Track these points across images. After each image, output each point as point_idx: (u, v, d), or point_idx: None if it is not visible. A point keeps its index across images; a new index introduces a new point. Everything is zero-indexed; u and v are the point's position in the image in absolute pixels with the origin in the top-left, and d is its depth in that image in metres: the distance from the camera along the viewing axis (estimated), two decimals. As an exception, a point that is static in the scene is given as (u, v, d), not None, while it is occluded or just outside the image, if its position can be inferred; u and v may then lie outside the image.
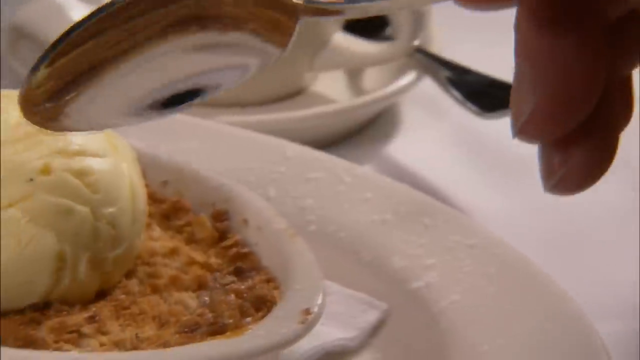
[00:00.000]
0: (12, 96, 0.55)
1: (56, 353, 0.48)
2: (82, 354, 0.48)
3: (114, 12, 0.39)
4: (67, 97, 0.38)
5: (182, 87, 0.40)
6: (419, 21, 0.90)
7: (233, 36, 0.41)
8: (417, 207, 0.70)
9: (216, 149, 0.79)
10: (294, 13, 0.43)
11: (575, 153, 0.39)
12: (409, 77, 0.93)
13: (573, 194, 0.40)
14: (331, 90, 0.98)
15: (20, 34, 0.94)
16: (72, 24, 0.39)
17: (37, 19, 0.97)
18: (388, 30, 1.00)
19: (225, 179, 0.66)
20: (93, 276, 0.52)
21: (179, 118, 0.81)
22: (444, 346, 0.60)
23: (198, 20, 0.40)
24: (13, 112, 0.53)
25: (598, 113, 0.39)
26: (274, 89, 0.94)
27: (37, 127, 0.50)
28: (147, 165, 0.64)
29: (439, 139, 0.90)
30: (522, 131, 0.39)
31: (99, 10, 0.40)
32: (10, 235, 0.50)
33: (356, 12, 0.44)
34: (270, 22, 0.43)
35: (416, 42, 0.91)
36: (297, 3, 0.44)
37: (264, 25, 0.43)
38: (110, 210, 0.53)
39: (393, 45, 0.92)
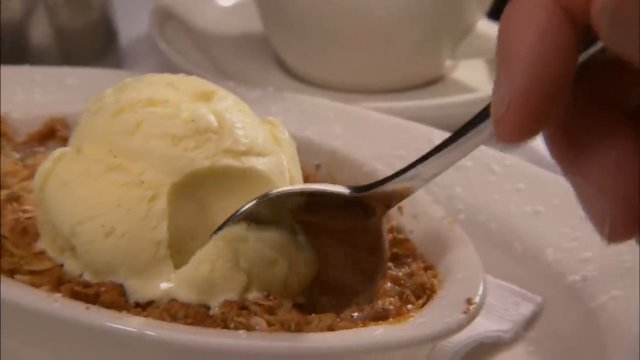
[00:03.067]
0: (185, 87, 0.55)
1: (226, 332, 0.49)
2: (251, 334, 0.48)
3: None
4: None
5: None
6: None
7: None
8: (571, 199, 0.67)
9: (361, 134, 0.78)
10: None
11: None
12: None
13: None
14: (471, 78, 0.96)
15: (167, 16, 0.95)
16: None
17: (184, 1, 0.99)
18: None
19: (379, 164, 0.65)
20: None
21: (324, 103, 0.81)
22: (603, 342, 0.58)
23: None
24: (185, 105, 0.53)
25: None
26: (415, 75, 0.93)
27: (204, 124, 0.52)
28: (301, 148, 0.63)
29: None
30: (611, 238, 0.39)
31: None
32: (207, 261, 0.51)
33: (421, 183, 0.51)
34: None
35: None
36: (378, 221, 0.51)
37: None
38: (305, 271, 0.53)
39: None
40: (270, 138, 0.56)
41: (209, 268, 0.51)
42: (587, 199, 0.40)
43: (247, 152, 0.53)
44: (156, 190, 0.51)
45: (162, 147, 0.52)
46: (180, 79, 0.55)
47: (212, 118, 0.53)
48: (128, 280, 0.51)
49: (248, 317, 0.50)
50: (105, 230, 0.50)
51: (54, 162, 0.53)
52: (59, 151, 0.53)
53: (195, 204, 0.52)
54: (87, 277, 0.52)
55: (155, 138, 0.52)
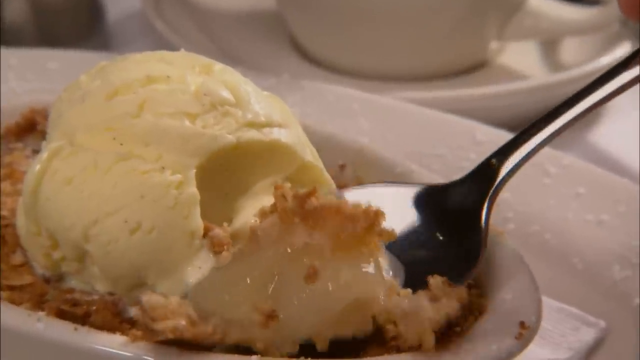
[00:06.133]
0: (179, 62, 0.56)
1: (229, 357, 0.49)
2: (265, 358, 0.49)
3: None
4: None
5: None
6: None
7: None
8: (640, 206, 0.69)
9: (391, 129, 0.79)
10: None
11: None
12: (621, 50, 0.91)
13: None
14: (521, 63, 0.97)
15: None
16: None
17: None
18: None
19: (414, 164, 0.66)
20: None
21: (348, 93, 0.82)
22: (678, 375, 0.59)
23: None
24: (190, 79, 0.54)
25: None
26: (455, 60, 0.93)
27: (219, 98, 0.53)
28: (322, 145, 0.64)
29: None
30: None
31: None
32: None
33: None
34: None
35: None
36: None
37: None
38: None
39: (602, 10, 0.91)
40: (283, 112, 0.58)
41: None
42: None
43: (269, 124, 0.55)
44: (182, 175, 0.52)
45: (178, 127, 0.53)
46: (168, 54, 0.56)
47: (225, 90, 0.54)
48: (158, 282, 0.52)
49: None
50: (129, 226, 0.51)
51: (48, 160, 0.53)
52: (49, 148, 0.54)
53: (222, 185, 0.54)
54: (101, 288, 0.53)
55: (167, 117, 0.53)
